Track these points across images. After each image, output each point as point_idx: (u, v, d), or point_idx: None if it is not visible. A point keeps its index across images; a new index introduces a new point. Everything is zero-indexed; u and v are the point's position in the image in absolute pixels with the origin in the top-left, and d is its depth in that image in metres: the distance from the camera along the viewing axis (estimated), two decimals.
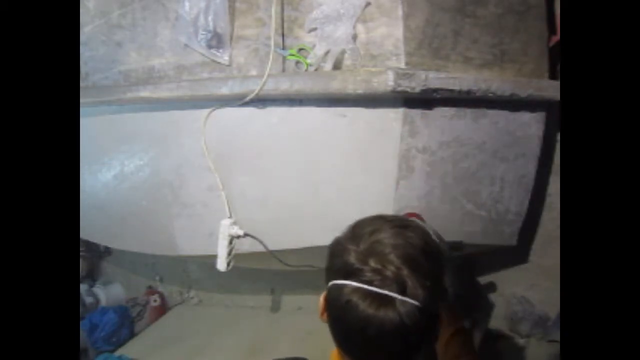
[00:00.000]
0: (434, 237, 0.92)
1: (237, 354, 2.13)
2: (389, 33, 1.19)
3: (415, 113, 1.25)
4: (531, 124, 1.44)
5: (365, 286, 0.65)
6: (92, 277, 2.99)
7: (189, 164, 1.50)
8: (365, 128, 1.28)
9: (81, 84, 1.65)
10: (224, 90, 1.31)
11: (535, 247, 1.87)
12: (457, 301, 1.74)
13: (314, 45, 1.26)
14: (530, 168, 1.50)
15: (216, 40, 1.34)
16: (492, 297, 1.94)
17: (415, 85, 1.13)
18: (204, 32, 1.34)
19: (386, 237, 0.68)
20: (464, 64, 1.28)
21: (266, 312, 2.44)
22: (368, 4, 1.20)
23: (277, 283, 2.44)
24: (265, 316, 2.42)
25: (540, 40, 1.45)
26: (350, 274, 0.67)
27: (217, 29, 1.33)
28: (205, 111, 1.40)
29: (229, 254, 1.41)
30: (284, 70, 1.31)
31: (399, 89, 1.12)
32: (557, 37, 1.52)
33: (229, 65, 1.36)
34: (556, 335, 1.77)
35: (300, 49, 1.29)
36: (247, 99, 1.28)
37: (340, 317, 0.68)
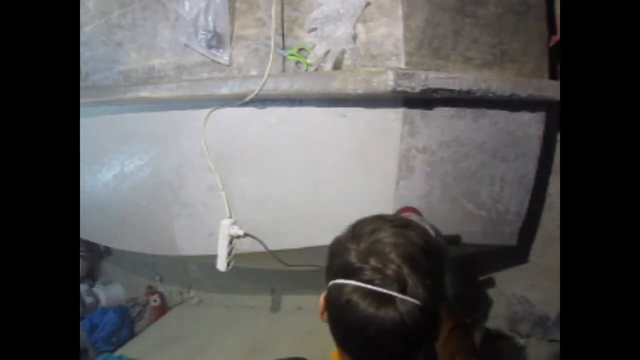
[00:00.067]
0: (431, 232, 0.92)
1: (237, 354, 2.13)
2: (389, 33, 1.19)
3: (415, 113, 1.25)
4: (531, 124, 1.44)
5: (366, 285, 0.65)
6: (92, 277, 2.99)
7: (189, 164, 1.50)
8: (365, 128, 1.28)
9: (81, 84, 1.65)
10: (224, 90, 1.31)
11: (535, 247, 1.87)
12: (457, 301, 1.74)
13: (314, 45, 1.26)
14: (530, 168, 1.50)
15: (216, 40, 1.34)
16: (492, 296, 1.94)
17: (415, 85, 1.13)
18: (204, 32, 1.34)
19: (386, 236, 0.68)
20: (464, 64, 1.28)
21: (266, 312, 2.45)
22: (368, 4, 1.20)
23: (277, 283, 2.44)
24: (265, 316, 2.42)
25: (540, 40, 1.45)
26: (350, 273, 0.67)
27: (217, 29, 1.33)
28: (205, 111, 1.40)
29: (229, 254, 1.41)
30: (284, 70, 1.31)
31: (399, 89, 1.12)
32: (557, 37, 1.52)
33: (229, 65, 1.36)
34: (556, 335, 1.77)
35: (300, 49, 1.29)
36: (247, 99, 1.28)
37: (341, 317, 0.68)
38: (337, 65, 1.24)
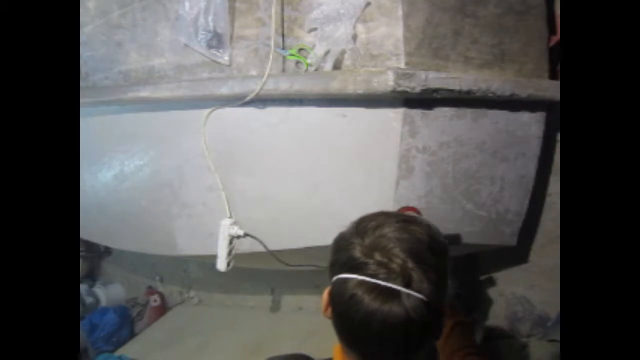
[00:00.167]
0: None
1: (237, 354, 2.13)
2: (389, 33, 1.19)
3: (415, 113, 1.25)
4: (531, 124, 1.44)
5: (371, 279, 0.64)
6: (92, 277, 3.00)
7: (189, 164, 1.50)
8: (365, 128, 1.28)
9: (81, 84, 1.65)
10: (224, 90, 1.31)
11: (535, 247, 1.87)
12: (458, 300, 1.74)
13: (314, 45, 1.26)
14: (530, 168, 1.50)
15: (216, 40, 1.34)
16: (492, 296, 1.94)
17: (415, 85, 1.13)
18: (204, 32, 1.34)
19: (391, 231, 0.68)
20: (464, 64, 1.28)
21: (266, 312, 2.45)
22: (368, 4, 1.20)
23: (277, 283, 2.44)
24: (266, 316, 2.42)
25: (540, 40, 1.45)
26: (355, 267, 0.66)
27: (217, 29, 1.33)
28: (205, 111, 1.40)
29: (229, 254, 1.41)
30: (284, 70, 1.31)
31: (399, 89, 1.12)
32: (557, 37, 1.52)
33: (229, 65, 1.36)
34: (556, 335, 1.77)
35: (300, 49, 1.29)
36: (247, 99, 1.28)
37: (345, 312, 0.67)
38: (337, 65, 1.24)
